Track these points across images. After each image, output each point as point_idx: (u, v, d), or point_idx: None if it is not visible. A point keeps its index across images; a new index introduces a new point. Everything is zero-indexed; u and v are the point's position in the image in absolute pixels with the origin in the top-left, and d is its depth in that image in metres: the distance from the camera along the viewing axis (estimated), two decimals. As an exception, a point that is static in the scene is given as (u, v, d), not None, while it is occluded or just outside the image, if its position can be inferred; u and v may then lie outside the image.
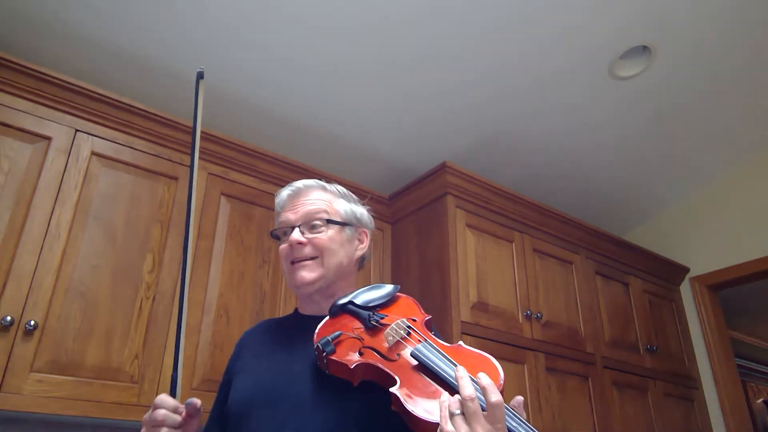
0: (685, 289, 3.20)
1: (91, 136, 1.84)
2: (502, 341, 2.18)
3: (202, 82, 1.09)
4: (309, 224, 1.08)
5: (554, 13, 2.10)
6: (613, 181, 3.11)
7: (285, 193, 1.14)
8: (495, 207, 2.43)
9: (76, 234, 1.71)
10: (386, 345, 0.89)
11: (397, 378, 0.82)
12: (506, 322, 2.25)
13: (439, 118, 2.53)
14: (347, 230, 1.11)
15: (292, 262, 1.07)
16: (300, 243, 1.05)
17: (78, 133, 1.82)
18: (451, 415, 0.73)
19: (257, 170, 2.16)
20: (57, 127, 1.78)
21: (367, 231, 1.17)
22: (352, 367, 0.86)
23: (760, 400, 5.12)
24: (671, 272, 3.16)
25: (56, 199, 1.70)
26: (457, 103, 2.46)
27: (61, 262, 1.66)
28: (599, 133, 2.77)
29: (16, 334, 1.52)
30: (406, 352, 0.87)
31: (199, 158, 2.03)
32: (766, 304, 4.44)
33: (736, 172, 3.13)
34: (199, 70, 1.09)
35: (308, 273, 1.05)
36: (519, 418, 0.74)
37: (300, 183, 1.14)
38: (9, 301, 1.54)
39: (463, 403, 0.73)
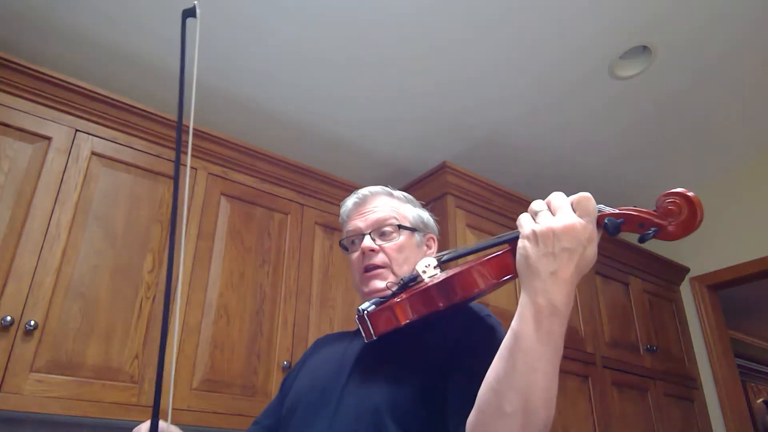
0: (685, 289, 3.20)
1: (91, 136, 1.84)
2: (502, 341, 2.18)
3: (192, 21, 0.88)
4: (379, 231, 1.05)
5: (554, 12, 2.10)
6: (613, 181, 3.11)
7: (351, 201, 1.11)
8: (495, 207, 2.43)
9: (76, 234, 1.71)
10: (426, 281, 0.87)
11: (434, 282, 0.80)
12: (506, 322, 2.24)
13: (439, 118, 2.53)
14: (417, 236, 1.08)
15: (365, 270, 1.03)
16: (372, 250, 1.03)
17: (78, 133, 1.81)
18: (534, 214, 0.69)
19: (257, 170, 2.16)
20: (57, 127, 1.78)
21: (434, 236, 1.14)
22: (395, 301, 0.83)
23: (760, 400, 5.12)
24: (671, 272, 3.16)
25: (56, 199, 1.70)
26: (458, 103, 2.46)
27: (61, 262, 1.66)
28: (599, 133, 2.77)
29: (16, 334, 1.52)
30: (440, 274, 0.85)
31: (199, 158, 2.04)
32: (766, 304, 4.44)
33: (736, 172, 3.13)
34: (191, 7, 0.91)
35: (382, 282, 1.00)
36: (614, 209, 0.68)
37: (365, 190, 1.11)
38: (9, 301, 1.54)
39: (549, 201, 0.69)
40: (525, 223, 0.70)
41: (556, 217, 0.67)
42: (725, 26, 2.28)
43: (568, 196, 0.69)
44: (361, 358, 0.96)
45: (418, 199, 1.17)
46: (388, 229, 1.05)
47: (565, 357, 2.58)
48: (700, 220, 0.63)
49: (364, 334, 0.87)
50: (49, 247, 1.65)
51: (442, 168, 2.32)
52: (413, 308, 0.83)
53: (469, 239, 2.28)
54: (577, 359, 2.44)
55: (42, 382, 1.53)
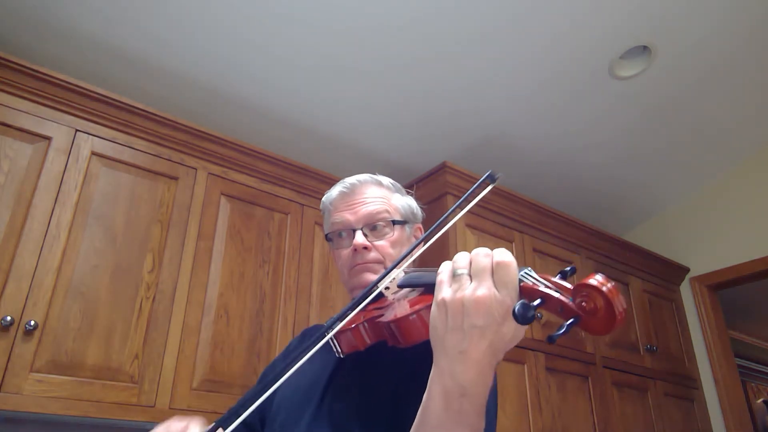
0: (685, 289, 3.20)
1: (91, 136, 1.84)
2: (502, 341, 2.18)
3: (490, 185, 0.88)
4: (371, 226, 0.98)
5: (554, 12, 2.10)
6: (613, 180, 3.11)
7: (337, 190, 1.03)
8: (495, 207, 2.43)
9: (76, 234, 1.71)
10: (389, 300, 0.81)
11: (385, 312, 0.75)
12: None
13: (439, 118, 2.53)
14: (407, 228, 1.02)
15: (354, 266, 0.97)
16: (366, 248, 0.95)
17: (78, 133, 1.81)
18: (454, 275, 0.60)
19: (257, 170, 2.16)
20: (57, 127, 1.78)
21: (420, 227, 1.06)
22: (352, 326, 0.79)
23: (760, 400, 5.11)
24: (671, 272, 3.16)
25: (56, 199, 1.70)
26: (457, 103, 2.46)
27: (61, 262, 1.66)
28: (599, 133, 2.77)
29: (16, 334, 1.52)
30: (402, 292, 0.79)
31: (199, 158, 2.04)
32: (766, 304, 4.44)
33: (736, 171, 3.13)
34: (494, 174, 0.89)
35: (373, 275, 0.94)
36: (541, 279, 0.57)
37: (353, 179, 1.02)
38: (9, 301, 1.54)
39: (472, 260, 0.59)
40: (441, 282, 0.61)
41: (471, 285, 0.57)
42: (725, 26, 2.28)
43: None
44: (338, 370, 0.92)
45: (417, 198, 1.14)
46: (380, 224, 0.98)
47: (565, 357, 2.57)
48: (622, 313, 0.51)
49: (335, 351, 0.83)
50: (49, 247, 1.65)
51: (442, 168, 2.32)
52: (370, 335, 0.79)
53: (469, 239, 2.28)
54: (577, 359, 2.44)
55: (42, 382, 1.53)
